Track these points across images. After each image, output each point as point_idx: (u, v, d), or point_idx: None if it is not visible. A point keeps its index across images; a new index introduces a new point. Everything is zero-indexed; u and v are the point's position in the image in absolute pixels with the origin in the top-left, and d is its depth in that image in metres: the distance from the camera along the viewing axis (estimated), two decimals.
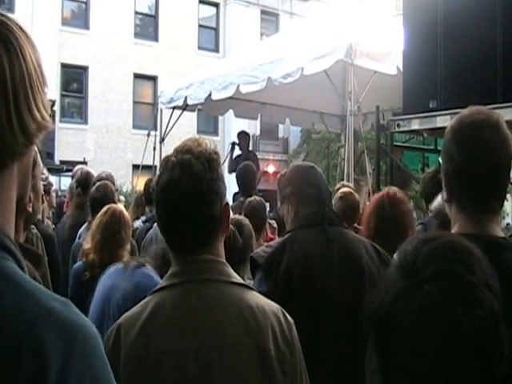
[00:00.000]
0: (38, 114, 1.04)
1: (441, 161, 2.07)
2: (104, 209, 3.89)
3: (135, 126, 25.19)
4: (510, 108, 4.86)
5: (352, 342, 2.73)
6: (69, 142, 23.30)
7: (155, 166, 10.07)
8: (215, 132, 27.59)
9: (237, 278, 1.89)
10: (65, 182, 8.10)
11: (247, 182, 6.73)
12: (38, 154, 2.34)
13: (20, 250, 2.27)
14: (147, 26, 27.61)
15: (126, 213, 3.96)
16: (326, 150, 21.66)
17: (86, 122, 25.33)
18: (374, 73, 7.59)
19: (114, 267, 3.35)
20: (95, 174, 6.02)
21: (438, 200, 3.89)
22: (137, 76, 26.43)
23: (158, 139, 10.98)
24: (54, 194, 7.10)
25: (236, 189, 7.02)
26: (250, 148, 11.07)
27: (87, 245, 3.87)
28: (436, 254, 1.18)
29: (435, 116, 5.68)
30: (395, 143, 7.67)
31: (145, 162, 11.07)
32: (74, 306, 0.97)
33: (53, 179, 9.24)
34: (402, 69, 6.42)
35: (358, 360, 2.36)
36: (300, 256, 2.87)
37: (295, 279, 2.80)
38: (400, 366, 1.17)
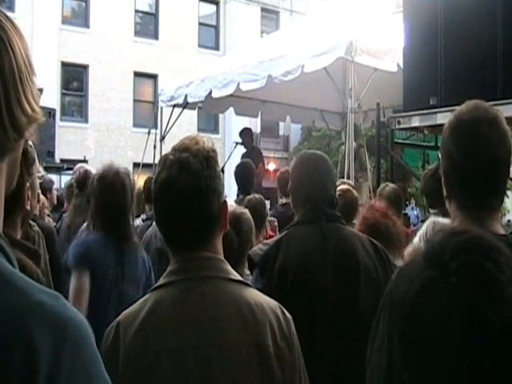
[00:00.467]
0: (28, 107, 1.02)
1: (440, 158, 2.07)
2: None
3: (136, 125, 25.18)
4: (511, 105, 4.86)
5: (348, 338, 2.75)
6: (69, 141, 23.30)
7: (156, 165, 10.05)
8: (216, 130, 27.59)
9: (235, 275, 1.90)
10: (65, 181, 8.11)
11: (245, 180, 6.74)
12: (35, 152, 2.34)
13: (18, 247, 2.27)
14: (147, 25, 27.58)
15: None
16: (326, 148, 21.71)
17: (86, 121, 25.32)
18: (374, 70, 7.58)
19: None
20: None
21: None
22: (137, 74, 26.42)
23: (158, 137, 10.97)
24: (55, 192, 7.10)
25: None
26: (254, 144, 11.04)
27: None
28: (464, 247, 1.17)
29: (436, 113, 5.68)
30: (396, 140, 7.67)
31: (145, 161, 11.06)
32: (65, 299, 0.97)
33: (53, 178, 9.23)
34: (402, 66, 6.42)
35: (354, 355, 2.37)
36: (295, 253, 2.88)
37: (290, 276, 2.81)
38: (423, 356, 1.17)
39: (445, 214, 3.80)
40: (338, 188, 4.67)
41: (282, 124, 27.04)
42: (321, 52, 7.53)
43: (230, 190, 9.20)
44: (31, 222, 3.68)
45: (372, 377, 1.64)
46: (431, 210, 4.57)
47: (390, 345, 1.46)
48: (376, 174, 7.45)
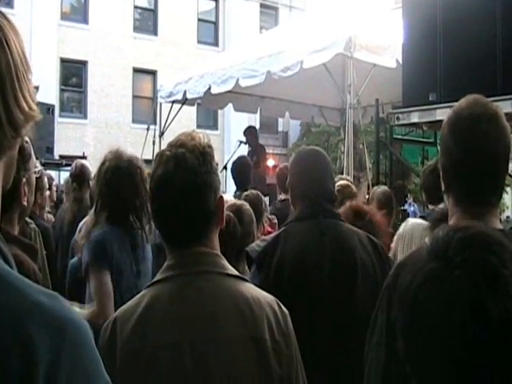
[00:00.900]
0: (25, 105, 1.02)
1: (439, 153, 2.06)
2: None
3: (135, 121, 25.15)
4: (509, 101, 4.85)
5: (345, 333, 2.75)
6: (68, 137, 23.26)
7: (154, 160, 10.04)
8: (215, 126, 27.57)
9: (232, 270, 1.90)
10: (64, 177, 8.08)
11: (242, 176, 6.74)
12: (31, 147, 2.34)
13: (15, 243, 2.27)
14: (146, 21, 27.53)
15: None
16: (325, 144, 21.68)
17: (85, 117, 25.29)
18: (373, 66, 7.58)
19: None
20: (90, 168, 5.98)
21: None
22: (136, 70, 26.37)
23: (157, 133, 10.97)
24: (54, 189, 7.10)
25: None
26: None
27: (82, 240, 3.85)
28: (469, 242, 1.18)
29: (435, 109, 5.68)
30: (395, 136, 7.67)
31: (144, 156, 10.97)
32: (64, 299, 0.96)
33: (52, 174, 9.21)
34: (401, 62, 6.41)
35: (352, 350, 2.37)
36: (293, 249, 2.89)
37: (287, 272, 2.82)
38: (425, 348, 1.17)
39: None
40: (337, 183, 4.68)
41: (281, 120, 26.98)
42: (320, 48, 7.53)
43: (232, 186, 9.21)
44: (28, 219, 3.64)
45: (370, 371, 1.64)
46: (430, 206, 4.58)
47: (389, 339, 1.46)
48: (375, 171, 7.44)
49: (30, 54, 20.52)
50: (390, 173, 7.36)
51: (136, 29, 26.74)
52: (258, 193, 4.95)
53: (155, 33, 27.13)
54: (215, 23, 29.14)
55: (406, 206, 9.08)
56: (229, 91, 9.37)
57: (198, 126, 23.57)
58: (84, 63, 25.23)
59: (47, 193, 5.48)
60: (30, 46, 20.46)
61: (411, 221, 4.47)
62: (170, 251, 1.89)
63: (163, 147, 1.99)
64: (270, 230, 4.96)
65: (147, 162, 12.19)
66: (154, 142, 10.78)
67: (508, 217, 20.86)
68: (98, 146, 24.19)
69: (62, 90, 24.76)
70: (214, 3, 29.12)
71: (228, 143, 24.44)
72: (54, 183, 7.56)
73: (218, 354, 1.73)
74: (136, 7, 26.89)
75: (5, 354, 0.85)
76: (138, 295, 1.87)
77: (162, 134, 10.94)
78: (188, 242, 1.85)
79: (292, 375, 1.83)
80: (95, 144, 24.59)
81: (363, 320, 1.87)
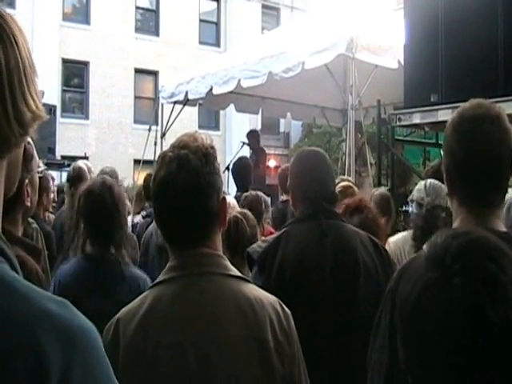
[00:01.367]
0: (32, 104, 1.01)
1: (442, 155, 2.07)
2: None
3: (136, 121, 25.18)
4: (511, 102, 4.84)
5: (347, 334, 2.75)
6: (70, 137, 23.28)
7: (156, 161, 10.05)
8: (216, 127, 27.58)
9: (234, 271, 1.91)
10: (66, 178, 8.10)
11: (243, 177, 6.75)
12: (34, 148, 2.33)
13: (18, 244, 2.26)
14: (148, 21, 27.56)
15: None
16: (327, 145, 21.64)
17: (87, 117, 25.31)
18: (375, 67, 7.57)
19: None
20: (92, 168, 5.96)
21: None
22: (138, 71, 26.40)
23: (159, 134, 10.96)
24: (55, 189, 7.08)
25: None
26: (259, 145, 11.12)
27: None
28: (467, 249, 1.18)
29: (436, 110, 5.67)
30: (396, 137, 7.66)
31: (146, 157, 11.05)
32: (73, 306, 0.94)
33: (54, 174, 9.22)
34: (403, 63, 6.41)
35: (353, 351, 2.37)
36: (294, 250, 2.88)
37: (288, 273, 2.82)
38: (425, 357, 1.17)
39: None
40: (339, 185, 4.68)
41: (282, 121, 27.01)
42: (321, 49, 7.52)
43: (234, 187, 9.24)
44: (30, 219, 3.61)
45: (373, 374, 1.64)
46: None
47: (392, 342, 1.45)
48: (377, 171, 7.44)
49: (32, 55, 20.44)
50: (391, 174, 7.35)
51: (138, 29, 26.77)
52: (258, 193, 4.95)
53: (157, 33, 27.16)
54: (217, 24, 29.16)
55: (408, 207, 9.07)
56: (230, 92, 9.36)
57: (200, 127, 23.58)
58: (86, 64, 25.26)
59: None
60: (31, 46, 20.19)
61: (391, 240, 4.38)
62: (172, 252, 1.90)
63: (165, 148, 1.99)
64: (272, 230, 4.96)
65: (149, 162, 12.22)
66: (155, 143, 10.78)
67: None
68: (100, 147, 24.25)
69: (63, 91, 24.80)
70: (215, 4, 29.14)
71: (229, 144, 24.47)
72: (56, 183, 7.55)
73: (221, 355, 1.73)
74: (138, 8, 26.92)
75: (15, 362, 0.84)
76: (141, 296, 1.87)
77: (163, 134, 10.94)
78: (190, 243, 1.85)
79: (294, 375, 1.83)
80: (97, 144, 24.63)
81: (364, 321, 1.87)
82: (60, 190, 7.51)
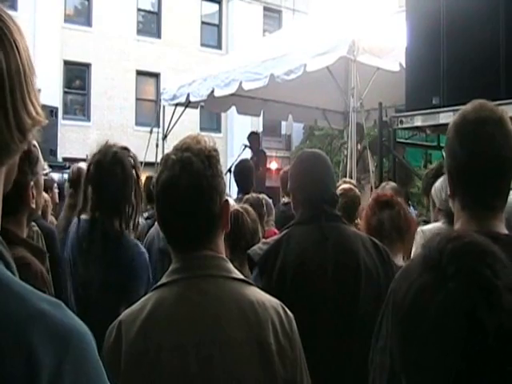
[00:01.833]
0: (32, 109, 1.01)
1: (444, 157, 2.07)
2: None
3: (138, 123, 25.18)
4: None
5: (348, 337, 2.75)
6: (71, 139, 23.29)
7: (158, 163, 10.07)
8: (218, 129, 27.59)
9: (237, 274, 1.90)
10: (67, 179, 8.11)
11: (244, 180, 6.75)
12: (39, 151, 2.35)
13: (24, 245, 2.28)
14: (150, 23, 27.58)
15: None
16: (328, 147, 21.61)
17: (88, 119, 25.32)
18: (376, 69, 7.58)
19: None
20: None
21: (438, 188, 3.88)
22: (139, 73, 26.41)
23: (160, 136, 10.98)
24: (56, 191, 7.08)
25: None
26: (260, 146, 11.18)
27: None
28: (461, 252, 1.18)
29: (438, 112, 5.67)
30: (398, 140, 7.66)
31: (147, 159, 11.05)
32: (67, 308, 0.94)
33: (56, 176, 9.22)
34: (404, 65, 6.41)
35: (355, 353, 2.37)
36: (295, 252, 2.88)
37: (290, 276, 2.82)
38: (419, 359, 1.17)
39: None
40: (340, 187, 4.68)
41: (284, 123, 27.02)
42: (323, 51, 7.54)
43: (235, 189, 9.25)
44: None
45: (375, 376, 1.64)
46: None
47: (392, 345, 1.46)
48: (378, 174, 7.44)
49: (34, 57, 20.35)
50: (393, 176, 7.35)
51: (139, 31, 26.78)
52: (259, 196, 4.95)
53: (158, 35, 27.17)
54: (218, 26, 29.18)
55: (411, 209, 9.07)
56: (232, 94, 9.38)
57: (201, 129, 23.59)
58: (87, 66, 25.27)
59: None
60: (33, 48, 20.51)
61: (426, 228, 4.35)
62: (175, 255, 1.90)
63: (166, 150, 2.00)
64: (276, 231, 4.96)
65: (150, 164, 12.23)
66: (157, 145, 10.80)
67: None
68: None
69: (65, 93, 24.80)
70: (217, 6, 29.16)
71: (231, 146, 24.47)
72: (56, 185, 7.54)
73: (223, 357, 1.74)
74: (139, 10, 26.93)
75: (6, 362, 0.84)
76: (143, 298, 1.88)
77: (165, 136, 10.96)
78: (193, 246, 1.86)
79: (296, 378, 1.83)
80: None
81: (366, 323, 1.87)
82: (61, 192, 7.50)
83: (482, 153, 1.89)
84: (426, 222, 4.55)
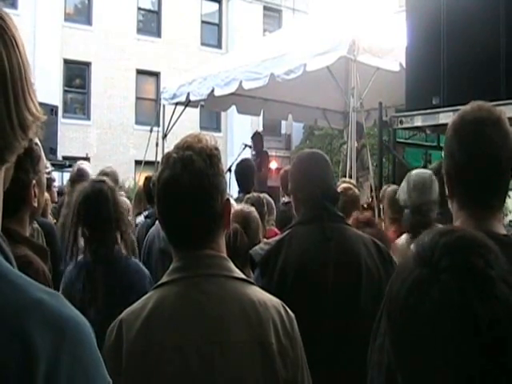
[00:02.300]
0: (33, 107, 1.01)
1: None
2: None
3: (138, 122, 25.19)
4: None
5: (349, 338, 2.75)
6: (71, 138, 23.30)
7: (157, 162, 10.06)
8: (218, 128, 27.59)
9: (238, 273, 1.90)
10: (67, 178, 8.09)
11: (245, 179, 6.74)
12: (41, 149, 2.35)
13: (26, 243, 2.28)
14: (150, 22, 27.58)
15: None
16: (328, 147, 21.69)
17: (88, 118, 25.32)
18: (376, 69, 7.58)
19: None
20: (92, 169, 5.96)
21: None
22: (139, 72, 26.41)
23: (160, 135, 10.98)
24: (55, 190, 7.08)
25: None
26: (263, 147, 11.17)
27: None
28: (454, 246, 1.19)
29: (438, 113, 5.68)
30: (398, 140, 7.67)
31: (147, 158, 11.08)
32: (65, 299, 0.95)
33: (55, 175, 9.23)
34: (404, 65, 6.42)
35: (356, 354, 2.37)
36: (296, 253, 2.87)
37: (291, 276, 2.81)
38: (415, 354, 1.18)
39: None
40: (340, 186, 4.69)
41: (284, 122, 27.03)
42: (323, 51, 7.53)
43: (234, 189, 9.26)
44: None
45: (373, 375, 1.65)
46: None
47: None
48: (378, 174, 7.45)
49: (34, 55, 20.54)
50: (392, 176, 7.36)
51: (139, 30, 26.79)
52: (260, 195, 4.94)
53: (159, 34, 27.17)
54: (218, 25, 29.18)
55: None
56: (232, 93, 9.37)
57: (201, 128, 23.58)
58: (87, 64, 25.28)
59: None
60: (33, 46, 20.51)
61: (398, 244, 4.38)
62: (176, 253, 1.89)
63: (166, 149, 2.00)
64: (277, 231, 4.97)
65: (150, 163, 12.18)
66: (157, 144, 10.80)
67: (511, 221, 20.80)
68: (101, 148, 24.27)
69: (65, 91, 24.82)
70: (217, 5, 29.16)
71: (231, 145, 24.47)
72: (57, 184, 7.55)
73: (224, 357, 1.73)
74: (140, 9, 26.94)
75: (3, 350, 0.84)
76: (144, 297, 1.87)
77: (164, 135, 10.95)
78: (194, 245, 1.85)
79: (297, 378, 1.83)
80: (98, 145, 24.65)
81: (366, 323, 1.88)
82: (60, 192, 7.51)
83: (480, 153, 1.89)
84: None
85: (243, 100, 10.80)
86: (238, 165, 7.10)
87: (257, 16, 29.23)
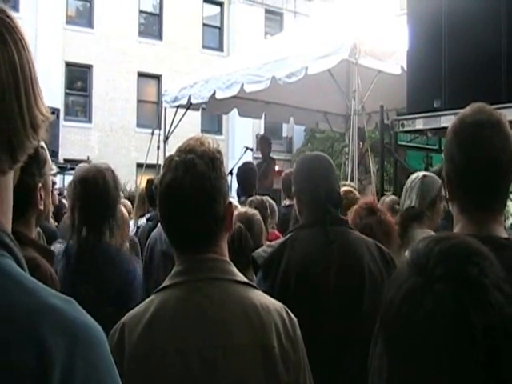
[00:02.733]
0: (42, 106, 1.02)
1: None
2: None
3: (139, 125, 25.21)
4: None
5: (351, 343, 2.74)
6: (73, 141, 23.32)
7: (159, 165, 10.06)
8: (219, 131, 27.61)
9: (241, 277, 1.90)
10: (69, 181, 8.06)
11: (247, 182, 6.73)
12: (47, 152, 2.36)
13: (33, 246, 2.29)
14: (151, 25, 27.62)
15: None
16: (330, 150, 21.71)
17: (90, 121, 25.35)
18: (378, 72, 7.59)
19: None
20: None
21: None
22: (141, 75, 26.45)
23: (161, 138, 10.98)
24: (56, 193, 7.08)
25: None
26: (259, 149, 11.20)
27: None
28: (449, 254, 1.19)
29: (439, 116, 5.69)
30: (399, 143, 7.67)
31: (149, 161, 11.07)
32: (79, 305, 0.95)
33: (57, 178, 9.23)
34: (406, 68, 6.43)
35: (358, 358, 2.37)
36: (299, 256, 2.86)
37: (293, 280, 2.81)
38: (408, 362, 1.18)
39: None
40: (340, 190, 4.69)
41: (285, 125, 27.02)
42: (325, 54, 7.54)
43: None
44: None
45: (373, 381, 1.65)
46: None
47: None
48: (379, 177, 7.45)
49: (36, 58, 20.41)
50: (394, 179, 7.36)
51: (141, 33, 26.83)
52: (263, 198, 4.95)
53: (160, 37, 27.21)
54: (220, 28, 29.21)
55: None
56: (233, 96, 9.37)
57: (203, 131, 23.60)
58: (89, 67, 25.31)
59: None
60: (35, 49, 20.52)
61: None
62: (178, 257, 1.90)
63: (168, 152, 2.00)
64: (278, 234, 4.97)
65: (151, 166, 12.13)
66: (158, 147, 10.79)
67: None
68: (103, 150, 24.29)
69: (66, 94, 24.85)
70: (218, 8, 29.20)
71: (232, 148, 24.48)
72: (58, 187, 7.55)
73: (226, 360, 1.74)
74: (141, 12, 26.98)
75: (17, 355, 0.84)
76: (146, 301, 1.88)
77: (166, 138, 10.95)
78: (197, 248, 1.86)
79: (299, 381, 1.83)
80: (100, 148, 24.68)
81: (369, 329, 1.88)
82: (61, 195, 7.51)
83: (480, 156, 1.89)
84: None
85: (245, 103, 10.80)
86: (239, 168, 7.09)
87: (258, 19, 29.25)
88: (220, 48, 28.75)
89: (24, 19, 19.58)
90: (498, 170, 1.91)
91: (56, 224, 6.22)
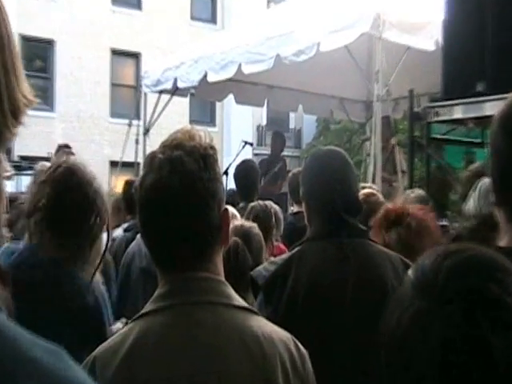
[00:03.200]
0: (24, 86, 1.01)
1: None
2: None
3: (113, 114, 25.29)
4: None
5: (369, 375, 2.74)
6: (31, 134, 23.27)
7: (138, 164, 10.09)
8: (212, 122, 27.66)
9: (239, 301, 1.90)
10: (26, 183, 7.99)
11: (249, 184, 6.70)
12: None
13: None
14: None
15: None
16: (347, 144, 21.65)
17: (52, 109, 25.39)
18: (407, 49, 7.61)
19: None
20: None
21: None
22: (115, 52, 26.51)
23: (141, 130, 11.01)
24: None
25: None
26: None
27: None
28: (462, 270, 1.18)
29: (483, 102, 5.69)
30: (433, 135, 7.67)
31: (125, 159, 11.09)
32: (68, 356, 0.93)
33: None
34: (441, 43, 6.43)
35: (372, 377, 2.37)
36: (307, 275, 2.86)
37: (300, 306, 2.81)
38: None
39: None
40: (360, 192, 4.70)
41: (292, 115, 27.07)
42: (341, 27, 7.55)
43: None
44: None
45: None
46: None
47: None
48: (408, 177, 7.45)
49: None
50: (426, 180, 7.35)
51: (115, 1, 26.87)
52: (267, 204, 4.94)
53: (139, 6, 27.27)
54: None
55: (445, 221, 9.08)
56: (229, 79, 9.40)
57: (192, 122, 23.64)
58: (50, 42, 25.36)
59: None
60: None
61: None
62: (162, 276, 1.89)
63: (149, 147, 2.00)
64: (282, 247, 4.98)
65: (129, 165, 12.18)
66: (137, 141, 10.82)
67: None
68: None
69: None
70: None
71: (228, 143, 24.51)
72: (12, 191, 7.55)
73: None
74: None
75: None
76: (122, 331, 1.87)
77: (146, 130, 10.98)
78: (185, 265, 1.85)
79: None
80: (64, 142, 24.67)
81: None
82: (14, 200, 7.49)
83: None
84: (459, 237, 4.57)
85: (243, 87, 10.83)
86: (237, 167, 7.07)
87: None
88: (212, 19, 28.81)
89: None
90: None
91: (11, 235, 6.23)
